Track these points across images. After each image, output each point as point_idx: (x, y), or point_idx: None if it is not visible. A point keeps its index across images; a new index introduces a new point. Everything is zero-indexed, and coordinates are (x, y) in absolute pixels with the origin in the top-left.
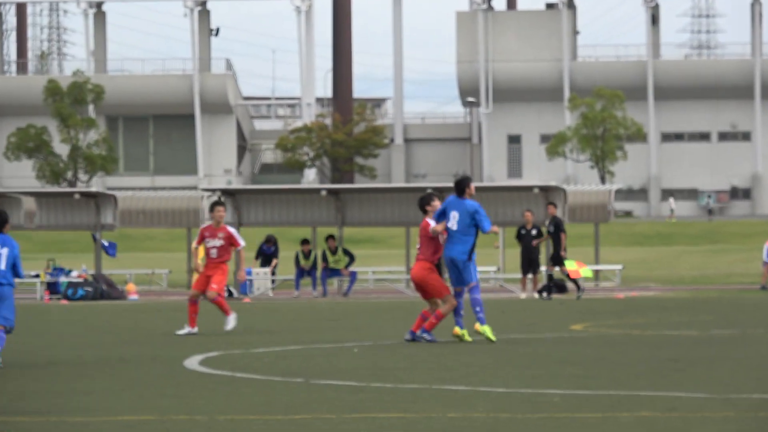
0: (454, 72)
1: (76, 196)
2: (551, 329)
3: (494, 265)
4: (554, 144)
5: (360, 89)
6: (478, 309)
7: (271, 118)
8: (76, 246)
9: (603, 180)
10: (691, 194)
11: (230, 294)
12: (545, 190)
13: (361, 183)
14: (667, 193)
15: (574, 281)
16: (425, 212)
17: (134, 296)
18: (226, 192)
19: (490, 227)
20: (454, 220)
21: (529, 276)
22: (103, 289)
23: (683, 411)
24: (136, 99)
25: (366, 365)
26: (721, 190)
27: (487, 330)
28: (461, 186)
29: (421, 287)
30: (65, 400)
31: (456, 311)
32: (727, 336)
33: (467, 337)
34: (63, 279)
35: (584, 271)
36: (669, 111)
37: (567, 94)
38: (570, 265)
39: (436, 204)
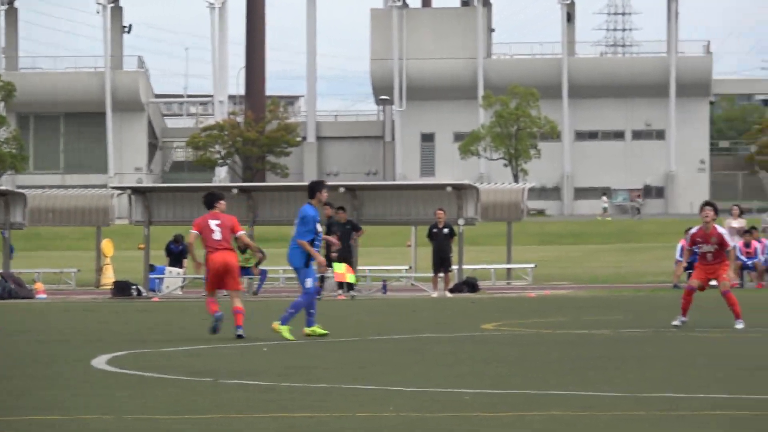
0: (368, 70)
1: None
2: (463, 328)
3: (406, 264)
4: (468, 142)
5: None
6: (292, 311)
7: (183, 116)
8: None
9: (516, 178)
10: (605, 193)
11: (139, 293)
12: (458, 188)
13: (272, 181)
14: (580, 192)
15: (339, 284)
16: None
17: (42, 295)
18: (136, 190)
19: (303, 240)
20: (295, 226)
21: (441, 275)
22: (11, 288)
23: (595, 410)
24: (47, 96)
25: (276, 364)
26: (635, 188)
27: (284, 330)
28: (312, 190)
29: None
30: None
31: (307, 310)
32: (640, 335)
33: (320, 330)
34: None
35: (350, 277)
36: (583, 109)
37: (481, 92)
38: (338, 268)
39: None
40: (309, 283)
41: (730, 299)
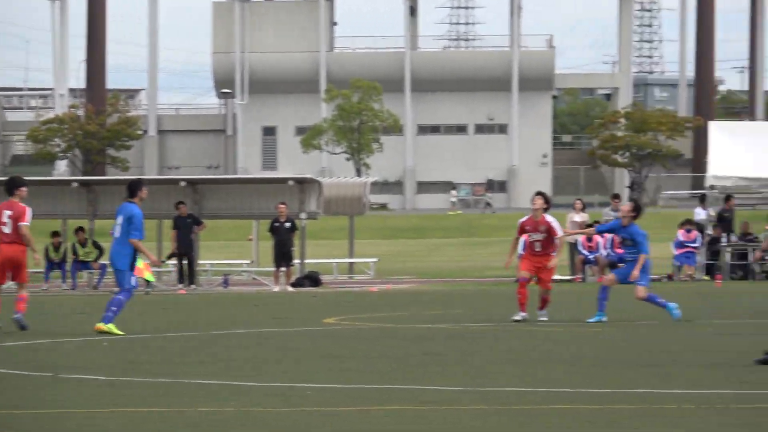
0: (210, 63)
1: None
2: (304, 323)
3: (248, 258)
4: (310, 136)
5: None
6: (114, 309)
7: (24, 110)
8: None
9: (359, 172)
10: (447, 187)
11: None
12: (300, 182)
13: (113, 175)
14: (422, 186)
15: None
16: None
17: None
18: None
19: (135, 240)
20: (118, 226)
21: (283, 269)
22: None
23: (436, 404)
24: None
25: (117, 359)
26: (478, 182)
27: (111, 327)
28: (133, 189)
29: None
30: None
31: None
32: (481, 329)
33: (116, 331)
34: None
35: (147, 275)
36: (426, 103)
37: (323, 85)
38: (139, 263)
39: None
40: (133, 281)
41: (544, 299)
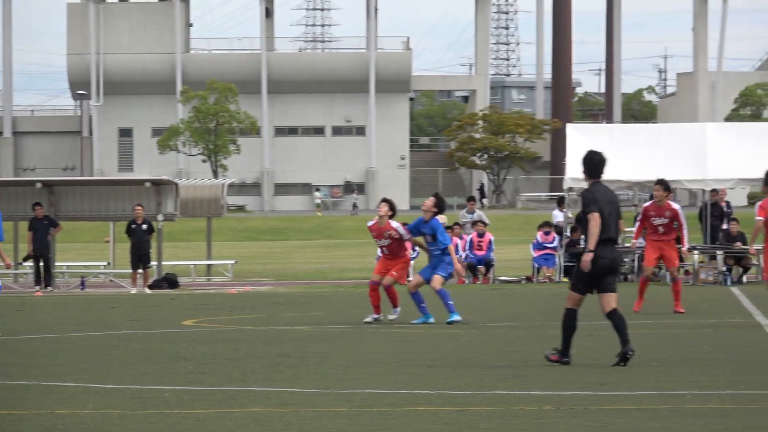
0: (65, 64)
1: None
2: (163, 325)
3: (105, 260)
4: (166, 137)
5: None
6: None
7: None
8: None
9: (216, 174)
10: (305, 189)
11: None
12: (157, 184)
13: None
14: (280, 188)
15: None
16: None
17: None
18: None
19: None
20: None
21: (140, 271)
22: None
23: (295, 406)
24: None
25: None
26: (335, 184)
27: None
28: None
29: None
30: None
31: None
32: (340, 331)
33: None
34: None
35: None
36: (283, 105)
37: (179, 87)
38: None
39: None
40: None
41: (391, 292)
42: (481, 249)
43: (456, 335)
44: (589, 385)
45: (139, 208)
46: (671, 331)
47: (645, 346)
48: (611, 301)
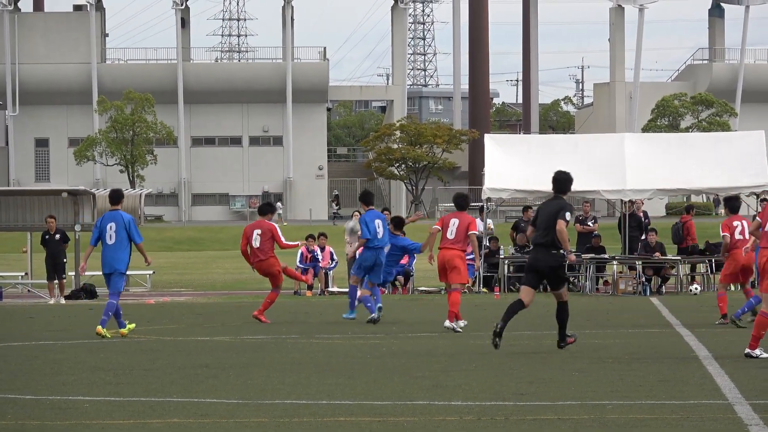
0: None
1: None
2: (80, 335)
3: (22, 270)
4: (83, 148)
5: None
6: None
7: None
8: None
9: (133, 184)
10: (223, 199)
11: None
12: (74, 194)
13: None
14: (198, 198)
15: None
16: None
17: None
18: None
19: None
20: None
21: (56, 281)
22: None
23: (216, 417)
24: None
25: None
26: (253, 195)
27: None
28: None
29: None
30: None
31: None
32: (260, 342)
33: None
34: None
35: None
36: (200, 115)
37: (96, 97)
38: None
39: None
40: None
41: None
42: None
43: (377, 346)
44: (510, 395)
45: (51, 219)
46: (591, 341)
47: (566, 357)
48: (524, 294)
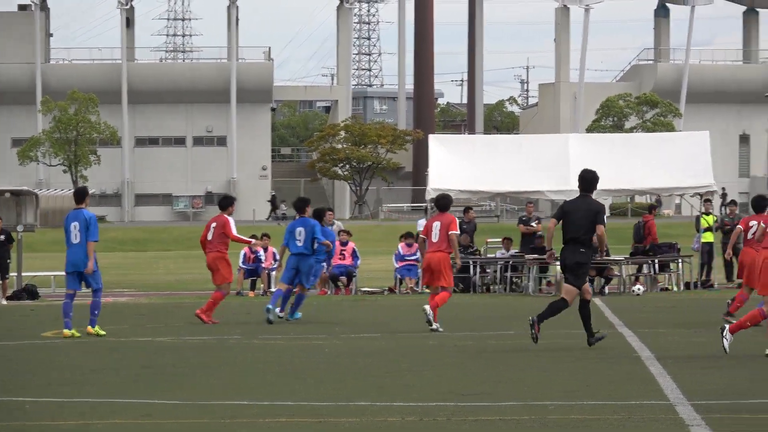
0: None
1: None
2: (23, 336)
3: None
4: (26, 148)
5: None
6: None
7: None
8: None
9: (76, 185)
10: (166, 200)
11: None
12: (17, 194)
13: None
14: (141, 199)
15: None
16: None
17: None
18: None
19: None
20: None
21: None
22: None
23: (157, 417)
24: None
25: None
26: (197, 195)
27: None
28: None
29: None
30: None
31: None
32: (202, 342)
33: None
34: None
35: None
36: (144, 115)
37: (39, 97)
38: None
39: None
40: None
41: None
42: (344, 258)
43: (319, 346)
44: (452, 395)
45: None
46: (533, 343)
47: (510, 358)
48: (565, 292)
